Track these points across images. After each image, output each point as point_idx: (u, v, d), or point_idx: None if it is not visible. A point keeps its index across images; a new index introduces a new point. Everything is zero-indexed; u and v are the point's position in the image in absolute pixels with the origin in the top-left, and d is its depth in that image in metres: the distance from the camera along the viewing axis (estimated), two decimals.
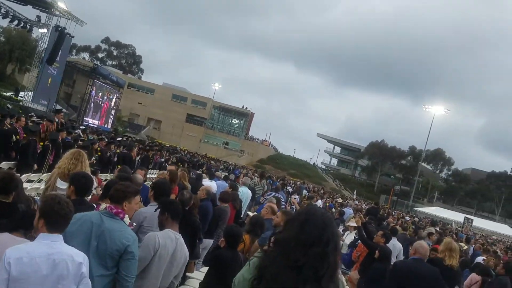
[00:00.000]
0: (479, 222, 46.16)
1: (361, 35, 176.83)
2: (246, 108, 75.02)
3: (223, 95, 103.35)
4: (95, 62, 55.35)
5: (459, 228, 29.69)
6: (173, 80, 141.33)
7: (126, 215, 3.00)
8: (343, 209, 14.41)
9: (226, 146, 69.84)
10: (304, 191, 22.28)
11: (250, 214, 6.78)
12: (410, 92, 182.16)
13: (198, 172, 11.76)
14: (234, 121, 75.83)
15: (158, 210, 3.62)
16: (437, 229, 17.49)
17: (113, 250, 2.81)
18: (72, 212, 2.46)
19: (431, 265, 5.30)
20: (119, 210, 2.97)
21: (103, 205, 3.08)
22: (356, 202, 32.36)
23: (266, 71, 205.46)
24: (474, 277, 7.99)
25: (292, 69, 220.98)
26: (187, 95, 71.15)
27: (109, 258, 2.82)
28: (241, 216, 7.68)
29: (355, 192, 56.04)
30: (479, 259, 10.71)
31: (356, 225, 8.00)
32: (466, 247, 12.23)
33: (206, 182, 7.96)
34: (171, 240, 3.40)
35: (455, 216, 45.10)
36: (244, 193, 8.50)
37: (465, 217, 38.55)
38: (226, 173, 13.81)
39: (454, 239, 12.32)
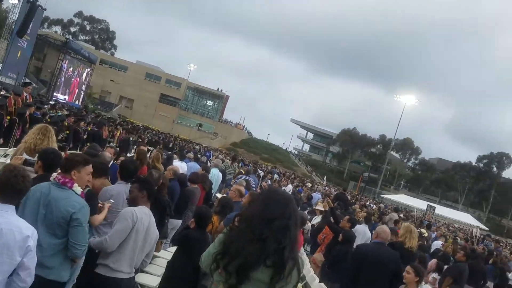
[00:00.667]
0: (442, 211, 47.87)
1: (338, 23, 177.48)
2: (221, 90, 74.50)
3: (198, 76, 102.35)
4: (67, 36, 53.55)
5: (421, 216, 30.77)
6: (147, 59, 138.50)
7: (76, 184, 3.03)
8: (312, 194, 14.71)
9: (199, 128, 69.29)
10: (276, 176, 22.55)
11: (219, 196, 6.86)
12: (383, 82, 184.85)
13: (169, 152, 11.71)
14: (209, 103, 75.25)
15: (131, 186, 3.62)
16: (401, 215, 18.08)
17: (59, 218, 2.87)
18: (28, 186, 2.50)
19: (391, 248, 5.53)
20: (67, 180, 3.00)
21: (53, 175, 3.11)
22: (326, 187, 32.96)
23: (243, 54, 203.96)
24: (434, 262, 8.40)
25: (268, 53, 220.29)
26: (161, 75, 69.90)
27: (57, 226, 2.88)
28: (211, 198, 7.74)
29: (325, 178, 56.98)
30: (437, 243, 11.20)
31: (323, 209, 8.23)
32: (426, 234, 12.72)
33: (176, 163, 7.96)
34: (145, 215, 3.44)
35: (419, 204, 46.51)
36: (215, 175, 8.56)
37: (428, 204, 39.91)
38: (198, 155, 13.80)
39: (415, 224, 12.79)
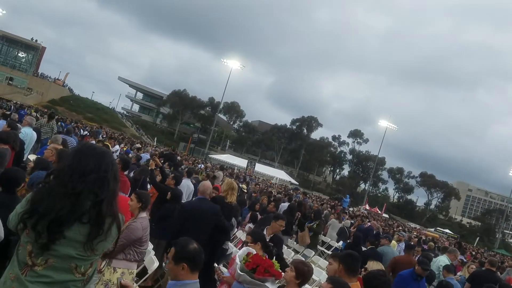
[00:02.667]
0: (262, 168, 52.81)
1: None
2: (36, 40, 65.69)
3: (8, 23, 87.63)
4: None
5: (245, 171, 33.48)
6: None
7: None
8: (141, 155, 14.48)
9: (10, 82, 60.26)
10: (101, 136, 21.32)
11: (31, 158, 6.21)
12: (212, 46, 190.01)
13: None
14: (21, 54, 65.81)
15: None
16: (226, 173, 19.29)
17: None
18: None
19: (213, 203, 5.94)
20: None
21: None
22: (156, 148, 32.73)
23: (63, 3, 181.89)
24: (249, 215, 9.40)
25: (94, 4, 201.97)
26: None
27: None
28: (23, 159, 6.95)
29: (155, 139, 56.48)
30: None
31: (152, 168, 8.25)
32: (246, 190, 13.95)
33: None
34: None
35: (242, 163, 50.41)
36: (28, 134, 7.66)
37: (248, 160, 43.56)
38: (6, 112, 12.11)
39: (237, 181, 13.87)
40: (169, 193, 6.74)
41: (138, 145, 25.09)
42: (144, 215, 4.37)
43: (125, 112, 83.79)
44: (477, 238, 65.81)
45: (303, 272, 3.46)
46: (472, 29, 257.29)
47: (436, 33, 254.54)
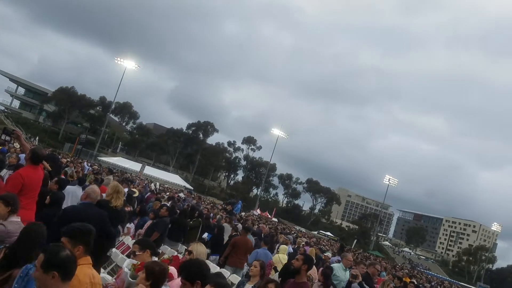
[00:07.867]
0: (156, 173, 51.62)
1: None
2: None
3: None
4: None
5: (137, 175, 32.55)
6: None
7: None
8: (19, 155, 13.30)
9: None
10: None
11: None
12: (106, 43, 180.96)
13: None
14: None
15: None
16: (112, 177, 18.54)
17: None
18: None
19: (99, 207, 5.76)
20: None
21: None
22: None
23: None
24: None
25: None
26: None
27: None
28: None
29: (37, 138, 51.80)
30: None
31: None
32: (137, 193, 13.64)
33: None
34: None
35: (136, 166, 48.67)
36: None
37: (142, 163, 42.29)
38: None
39: (128, 185, 13.48)
40: (48, 197, 6.34)
41: (17, 145, 22.85)
42: (15, 218, 4.03)
43: (3, 108, 75.43)
44: (355, 241, 71.97)
45: (153, 272, 3.26)
46: (365, 52, 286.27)
47: (335, 53, 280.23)
